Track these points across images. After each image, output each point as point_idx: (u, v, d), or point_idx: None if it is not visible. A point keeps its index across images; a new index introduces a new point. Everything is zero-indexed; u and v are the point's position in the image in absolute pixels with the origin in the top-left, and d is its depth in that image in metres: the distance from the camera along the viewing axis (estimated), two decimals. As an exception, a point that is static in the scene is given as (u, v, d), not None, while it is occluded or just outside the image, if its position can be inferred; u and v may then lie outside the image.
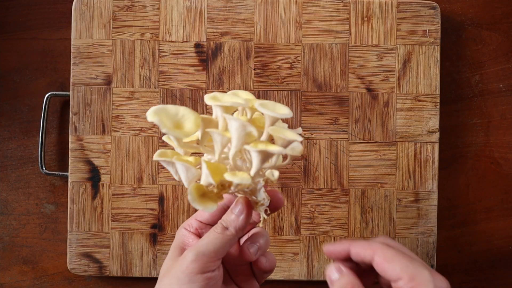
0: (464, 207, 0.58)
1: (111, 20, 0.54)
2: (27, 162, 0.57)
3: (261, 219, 0.38)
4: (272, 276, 0.54)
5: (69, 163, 0.54)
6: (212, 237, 0.36)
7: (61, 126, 0.57)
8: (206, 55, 0.55)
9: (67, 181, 0.56)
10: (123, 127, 0.54)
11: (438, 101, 0.55)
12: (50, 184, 0.57)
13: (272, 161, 0.36)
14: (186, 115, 0.34)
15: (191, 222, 0.41)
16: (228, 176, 0.32)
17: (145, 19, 0.54)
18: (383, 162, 0.55)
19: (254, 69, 0.55)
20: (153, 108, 0.33)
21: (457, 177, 0.58)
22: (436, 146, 0.55)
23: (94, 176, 0.54)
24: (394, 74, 0.55)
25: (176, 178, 0.35)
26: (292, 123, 0.55)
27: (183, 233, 0.40)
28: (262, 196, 0.36)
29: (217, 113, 0.35)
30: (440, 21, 0.55)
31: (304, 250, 0.55)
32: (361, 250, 0.36)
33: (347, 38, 0.55)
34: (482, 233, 0.58)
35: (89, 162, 0.54)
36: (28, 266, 0.57)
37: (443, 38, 0.56)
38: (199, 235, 0.40)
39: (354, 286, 0.35)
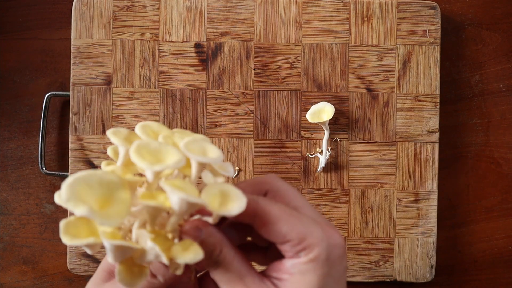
0: (464, 207, 0.58)
1: (111, 20, 0.54)
2: (27, 162, 0.57)
3: (193, 276, 0.31)
4: (272, 276, 0.54)
5: (69, 163, 0.54)
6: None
7: (61, 126, 0.57)
8: (206, 55, 0.55)
9: (67, 181, 0.56)
10: (123, 127, 0.54)
11: (438, 101, 0.55)
12: (50, 184, 0.57)
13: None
14: (113, 183, 0.26)
15: None
16: (182, 258, 0.26)
17: (145, 19, 0.54)
18: (383, 162, 0.55)
19: (254, 69, 0.55)
20: (66, 184, 0.25)
21: (457, 177, 0.58)
22: (436, 146, 0.55)
23: (94, 176, 0.54)
24: (394, 74, 0.55)
25: (91, 252, 0.28)
26: (292, 123, 0.55)
27: None
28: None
29: (147, 174, 0.28)
30: (440, 21, 0.55)
31: (304, 250, 0.54)
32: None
33: (347, 38, 0.55)
34: (482, 233, 0.58)
35: (89, 162, 0.54)
36: (28, 266, 0.57)
37: (443, 38, 0.56)
38: None
39: (222, 249, 0.28)
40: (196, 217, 0.29)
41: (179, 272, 0.28)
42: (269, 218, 0.28)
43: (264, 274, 0.29)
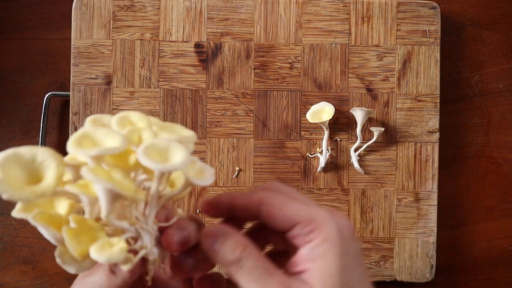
0: (464, 207, 0.58)
1: (111, 20, 0.54)
2: (27, 162, 0.57)
3: (148, 277, 0.30)
4: (272, 276, 0.54)
5: (69, 163, 0.54)
6: (98, 277, 0.31)
7: (61, 126, 0.57)
8: (206, 55, 0.55)
9: (67, 181, 0.56)
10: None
11: (438, 101, 0.55)
12: (50, 184, 0.57)
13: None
14: (47, 160, 0.26)
15: None
16: (94, 254, 0.25)
17: (145, 19, 0.54)
18: (383, 162, 0.55)
19: (254, 69, 0.55)
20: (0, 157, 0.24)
21: (457, 177, 0.58)
22: (436, 146, 0.55)
23: (94, 176, 0.54)
24: (394, 74, 0.55)
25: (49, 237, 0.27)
26: (292, 123, 0.55)
27: None
28: (154, 254, 0.29)
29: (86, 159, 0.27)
30: (440, 21, 0.55)
31: (304, 250, 0.54)
32: (244, 202, 0.29)
33: (347, 38, 0.55)
34: (482, 233, 0.58)
35: (89, 162, 0.54)
36: (28, 266, 0.57)
37: (443, 38, 0.56)
38: None
39: (245, 247, 0.28)
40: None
41: (125, 267, 0.27)
42: (275, 204, 0.28)
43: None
